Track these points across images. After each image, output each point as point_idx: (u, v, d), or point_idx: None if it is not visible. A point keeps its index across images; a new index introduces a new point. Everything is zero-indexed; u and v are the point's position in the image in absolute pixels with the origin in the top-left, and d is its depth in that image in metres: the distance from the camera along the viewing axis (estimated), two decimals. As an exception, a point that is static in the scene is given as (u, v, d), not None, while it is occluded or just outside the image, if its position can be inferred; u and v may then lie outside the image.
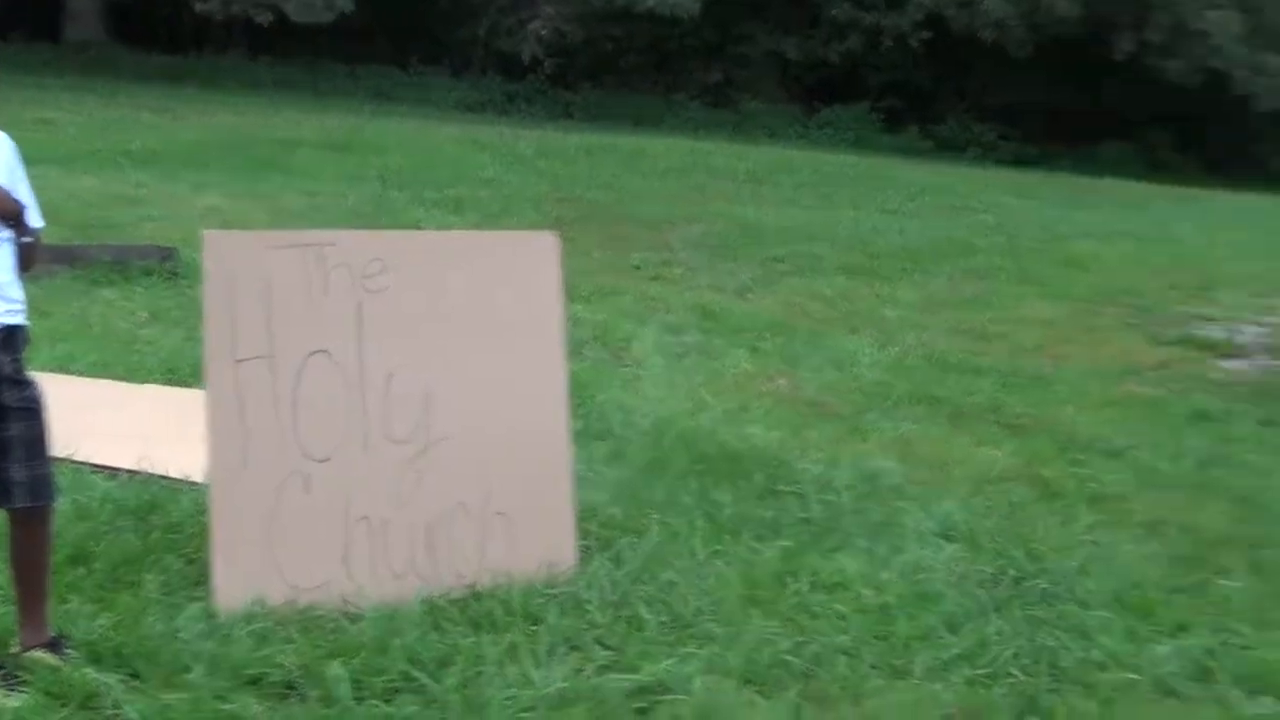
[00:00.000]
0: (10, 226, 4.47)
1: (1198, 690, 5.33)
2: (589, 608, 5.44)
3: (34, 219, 4.58)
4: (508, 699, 4.62)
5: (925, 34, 28.28)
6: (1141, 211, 21.06)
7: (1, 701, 4.37)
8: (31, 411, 4.46)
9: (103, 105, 21.91)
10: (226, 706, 4.44)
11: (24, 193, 4.61)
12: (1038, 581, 6.31)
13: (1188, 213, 21.21)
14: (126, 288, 10.93)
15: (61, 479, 5.19)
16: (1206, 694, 5.30)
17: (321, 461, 5.31)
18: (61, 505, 5.14)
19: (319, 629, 4.98)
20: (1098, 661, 5.47)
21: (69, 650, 4.55)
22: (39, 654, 4.51)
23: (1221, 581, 6.56)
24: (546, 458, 5.73)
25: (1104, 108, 29.52)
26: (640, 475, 7.44)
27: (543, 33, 27.91)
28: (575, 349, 8.15)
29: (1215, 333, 12.58)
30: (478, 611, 5.23)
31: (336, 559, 5.28)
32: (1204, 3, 25.91)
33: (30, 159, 4.85)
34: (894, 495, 7.60)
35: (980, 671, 5.28)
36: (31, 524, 4.56)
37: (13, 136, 4.67)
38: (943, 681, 5.19)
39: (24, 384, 4.48)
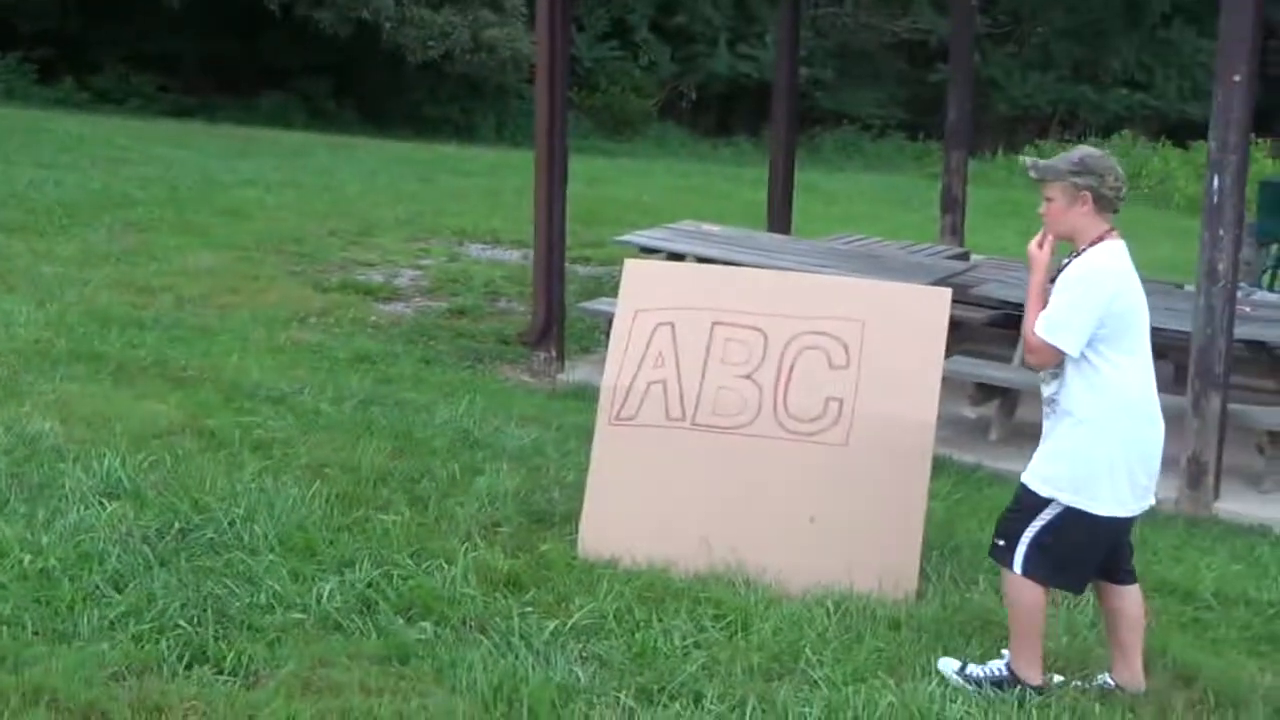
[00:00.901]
0: None
1: (361, 622, 5.53)
2: None
3: None
4: None
5: None
6: (302, 160, 21.34)
7: None
8: None
9: None
10: None
11: None
12: (204, 532, 6.35)
13: (346, 161, 21.85)
14: None
15: None
16: (370, 625, 5.52)
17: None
18: None
19: None
20: (264, 605, 5.59)
21: None
22: None
23: (382, 516, 6.78)
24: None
25: (263, 59, 29.53)
26: None
27: None
28: None
29: (375, 277, 13.04)
30: None
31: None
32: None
33: None
34: (54, 457, 7.37)
35: (147, 626, 5.27)
36: None
37: None
38: (109, 640, 5.14)
39: None
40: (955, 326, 7.44)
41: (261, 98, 29.69)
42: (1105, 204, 5.21)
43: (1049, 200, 5.35)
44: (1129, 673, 5.33)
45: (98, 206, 15.11)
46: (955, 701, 5.06)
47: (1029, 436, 7.09)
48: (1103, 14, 34.33)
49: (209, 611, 5.45)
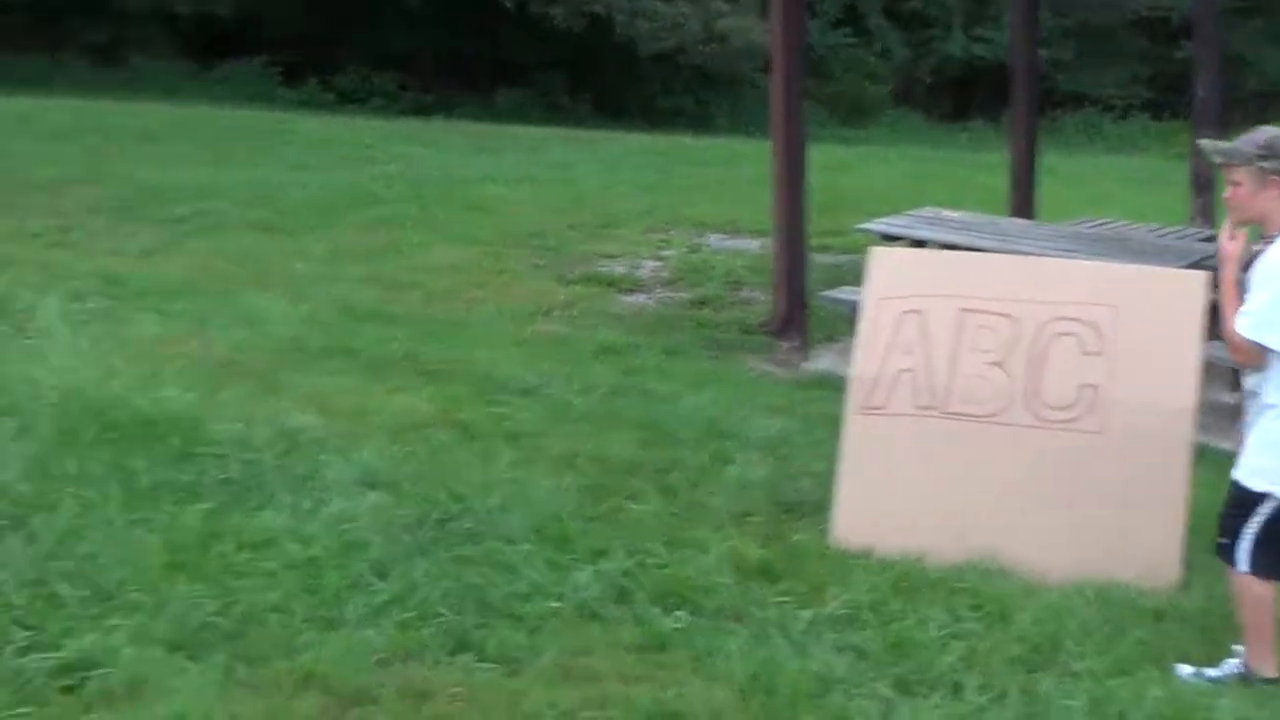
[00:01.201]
0: None
1: (618, 611, 5.61)
2: (4, 589, 5.33)
3: None
4: None
5: None
6: (540, 155, 21.63)
7: None
8: None
9: None
10: None
11: None
12: (462, 522, 6.50)
13: (583, 155, 22.05)
14: None
15: None
16: (626, 614, 5.59)
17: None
18: None
19: None
20: (523, 593, 5.68)
21: None
22: None
23: (633, 506, 6.92)
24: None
25: (499, 55, 30.41)
26: (50, 449, 7.22)
27: None
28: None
29: (616, 269, 13.19)
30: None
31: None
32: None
33: None
34: (315, 449, 7.61)
35: (410, 614, 5.40)
36: None
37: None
38: (375, 627, 5.29)
39: None
40: (1211, 311, 7.12)
41: (498, 94, 30.39)
42: None
43: (1235, 185, 5.31)
44: None
45: (345, 205, 15.68)
46: (1224, 697, 5.02)
47: None
48: (1360, -19, 32.90)
49: (469, 600, 5.60)
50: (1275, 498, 5.13)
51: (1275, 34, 32.52)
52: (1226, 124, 14.58)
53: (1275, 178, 5.12)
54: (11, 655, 4.84)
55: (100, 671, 4.81)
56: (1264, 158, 5.17)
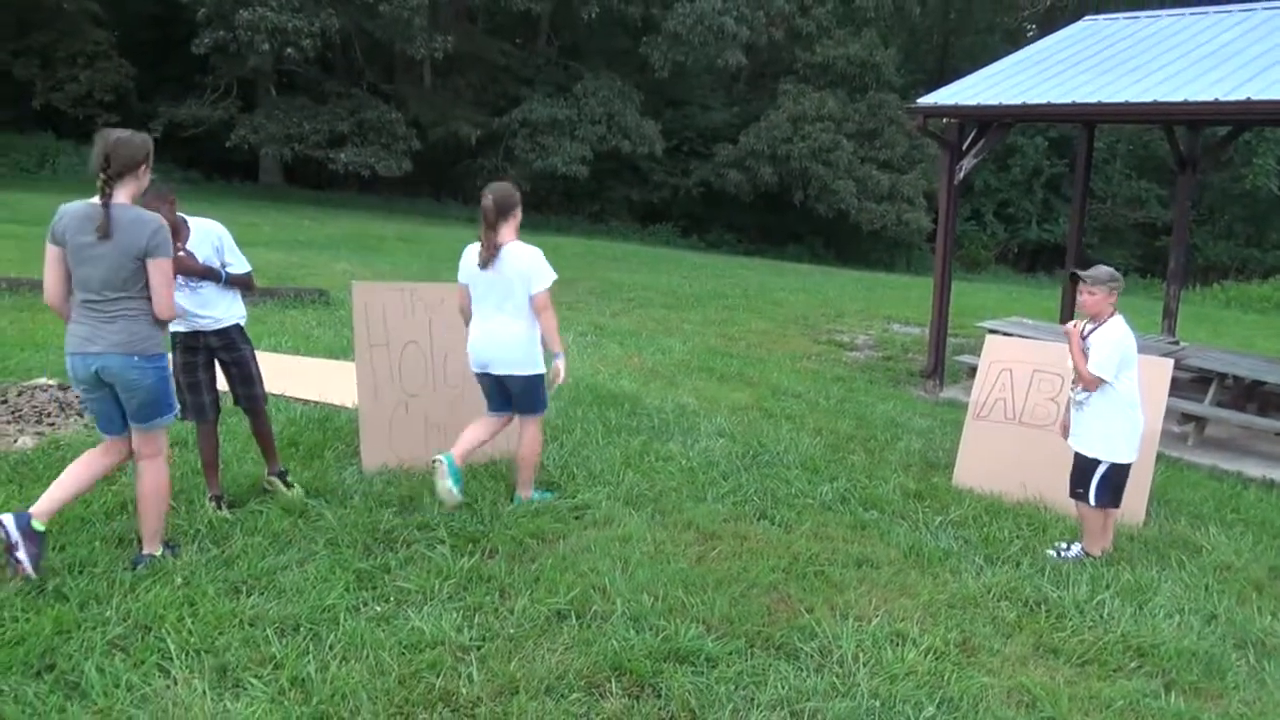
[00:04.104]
0: (210, 278, 6.63)
1: (842, 508, 7.91)
2: (549, 468, 8.04)
3: (237, 268, 6.74)
4: (512, 511, 7.06)
5: (700, 188, 45.71)
6: (806, 279, 29.02)
7: (223, 513, 6.61)
8: (251, 362, 6.99)
9: (282, 215, 30.83)
10: (372, 515, 6.83)
11: (234, 257, 6.71)
12: (764, 457, 9.05)
13: (829, 280, 28.97)
14: (301, 310, 14.96)
15: (277, 405, 8.22)
16: (846, 509, 7.87)
17: (413, 396, 8.16)
18: (279, 417, 8.14)
19: (413, 478, 7.61)
20: (794, 494, 8.12)
21: (290, 481, 7.16)
22: (274, 479, 7.16)
23: (851, 457, 9.29)
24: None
25: (788, 227, 45.85)
26: (571, 405, 9.92)
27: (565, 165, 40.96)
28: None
29: (843, 338, 17.48)
30: (496, 469, 7.90)
31: (421, 444, 8.06)
32: (838, 176, 43.01)
33: (244, 242, 7.33)
34: (694, 416, 10.28)
35: (738, 499, 7.82)
36: (256, 415, 7.17)
37: (230, 227, 6.90)
38: (720, 504, 7.66)
39: (237, 349, 6.94)
40: (1172, 381, 8.80)
41: (788, 248, 45.12)
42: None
43: (1091, 295, 7.13)
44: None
45: (708, 297, 21.78)
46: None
47: (1213, 444, 9.89)
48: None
49: (767, 494, 8.03)
50: (1104, 461, 7.05)
51: (1220, 234, 50.38)
52: (1185, 284, 18.19)
53: (1111, 294, 7.02)
54: (551, 502, 7.18)
55: (591, 511, 7.16)
56: (1108, 282, 7.05)
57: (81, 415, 8.61)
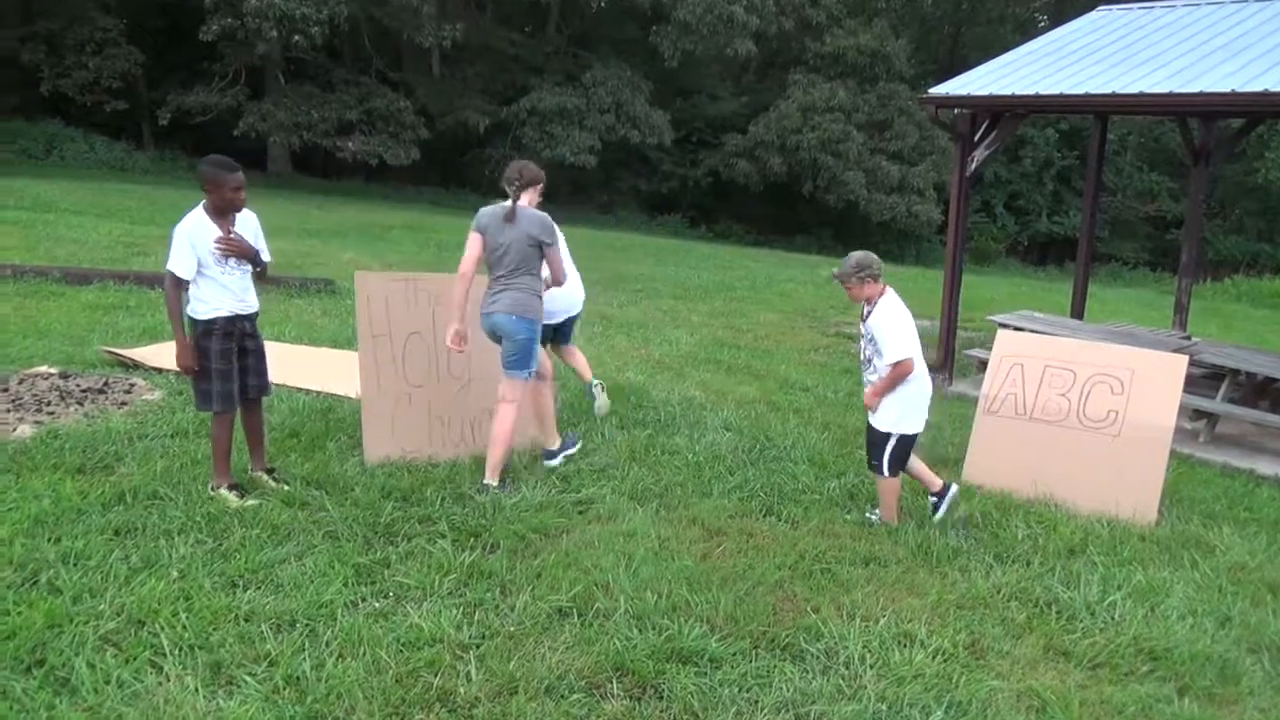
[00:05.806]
0: (252, 264, 6.97)
1: (849, 504, 7.89)
2: (559, 468, 8.02)
3: (265, 256, 7.16)
4: (515, 505, 7.13)
5: (709, 179, 46.38)
6: (815, 271, 28.16)
7: (249, 502, 6.73)
8: (262, 350, 7.22)
9: (289, 204, 31.32)
10: (373, 508, 6.87)
11: (263, 245, 7.13)
12: (770, 451, 9.08)
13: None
14: (307, 299, 15.06)
15: (280, 395, 8.30)
16: (853, 505, 7.90)
17: (417, 387, 8.21)
18: (281, 407, 8.20)
19: (418, 471, 7.70)
20: (801, 489, 8.14)
21: (280, 477, 7.22)
22: (261, 474, 7.27)
23: (858, 451, 9.16)
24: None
25: (798, 219, 46.48)
26: (577, 397, 10.00)
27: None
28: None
29: (850, 330, 17.13)
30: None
31: (424, 437, 8.14)
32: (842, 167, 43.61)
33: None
34: (700, 409, 10.32)
35: (744, 494, 7.89)
36: (256, 406, 7.32)
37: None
38: (727, 499, 7.71)
39: (258, 337, 7.19)
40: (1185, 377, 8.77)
41: (796, 238, 46.00)
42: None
43: (849, 289, 7.38)
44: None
45: (716, 288, 21.28)
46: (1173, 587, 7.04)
47: (1225, 441, 9.84)
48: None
49: (774, 489, 8.06)
50: (894, 434, 7.32)
51: (1231, 228, 50.90)
52: (1196, 278, 18.17)
53: (864, 282, 7.19)
54: (555, 494, 7.35)
55: (596, 505, 7.26)
56: (855, 272, 7.21)
57: (81, 404, 8.59)
